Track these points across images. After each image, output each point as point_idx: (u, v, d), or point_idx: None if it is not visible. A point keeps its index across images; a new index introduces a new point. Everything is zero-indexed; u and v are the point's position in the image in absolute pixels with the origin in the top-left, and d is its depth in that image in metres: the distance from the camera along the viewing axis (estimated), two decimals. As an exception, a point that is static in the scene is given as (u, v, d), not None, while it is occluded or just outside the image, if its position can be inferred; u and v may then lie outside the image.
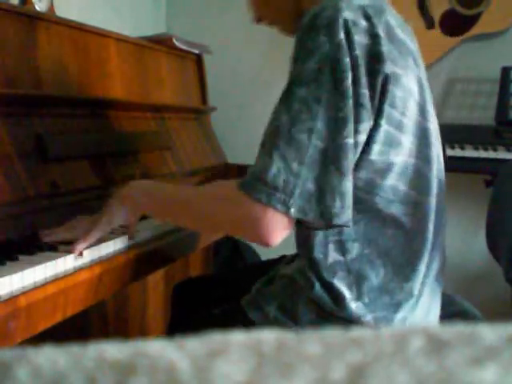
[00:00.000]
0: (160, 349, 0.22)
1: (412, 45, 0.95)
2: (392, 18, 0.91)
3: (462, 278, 2.33)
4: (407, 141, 0.89)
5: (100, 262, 0.97)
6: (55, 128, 1.23)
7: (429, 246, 0.95)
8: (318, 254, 0.92)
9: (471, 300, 1.23)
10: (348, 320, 0.91)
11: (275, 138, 0.83)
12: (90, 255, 0.97)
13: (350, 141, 0.83)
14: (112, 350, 0.22)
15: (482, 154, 2.03)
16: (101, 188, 1.28)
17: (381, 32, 0.86)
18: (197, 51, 2.06)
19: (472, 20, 2.26)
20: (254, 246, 2.47)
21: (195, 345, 0.22)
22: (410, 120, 0.90)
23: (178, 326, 1.23)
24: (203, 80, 2.13)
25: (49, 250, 0.95)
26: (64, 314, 0.88)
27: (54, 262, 0.89)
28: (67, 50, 1.37)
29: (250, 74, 2.51)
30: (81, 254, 0.95)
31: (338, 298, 0.91)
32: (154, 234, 1.17)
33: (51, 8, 1.56)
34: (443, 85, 2.35)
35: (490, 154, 2.02)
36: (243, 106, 2.52)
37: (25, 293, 0.81)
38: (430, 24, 2.30)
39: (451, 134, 2.09)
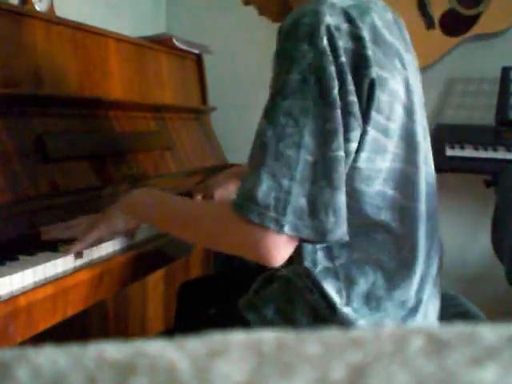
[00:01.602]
0: (160, 349, 0.22)
1: (400, 45, 0.91)
2: (378, 17, 0.87)
3: (462, 278, 2.33)
4: (392, 146, 0.87)
5: (100, 262, 0.98)
6: (55, 128, 1.23)
7: (421, 253, 0.93)
8: (308, 262, 0.90)
9: (471, 300, 1.23)
10: (343, 325, 0.89)
11: (262, 155, 0.79)
12: (89, 255, 0.97)
13: (341, 153, 0.79)
14: (112, 349, 0.22)
15: (481, 154, 2.03)
16: (101, 188, 1.28)
17: (365, 34, 0.82)
18: (197, 51, 2.06)
19: (472, 20, 2.26)
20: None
21: (195, 345, 0.22)
22: (396, 124, 0.87)
23: (181, 325, 1.23)
24: (203, 80, 2.13)
25: (49, 250, 0.95)
26: (64, 314, 0.88)
27: (53, 262, 0.89)
28: (67, 50, 1.37)
29: (249, 74, 2.51)
30: (80, 254, 0.95)
31: (330, 303, 0.90)
32: (154, 234, 1.17)
33: (51, 8, 1.56)
34: (443, 85, 2.35)
35: (490, 154, 2.02)
36: (243, 106, 2.52)
37: (25, 293, 0.81)
38: (430, 24, 2.30)
39: (451, 134, 2.09)
